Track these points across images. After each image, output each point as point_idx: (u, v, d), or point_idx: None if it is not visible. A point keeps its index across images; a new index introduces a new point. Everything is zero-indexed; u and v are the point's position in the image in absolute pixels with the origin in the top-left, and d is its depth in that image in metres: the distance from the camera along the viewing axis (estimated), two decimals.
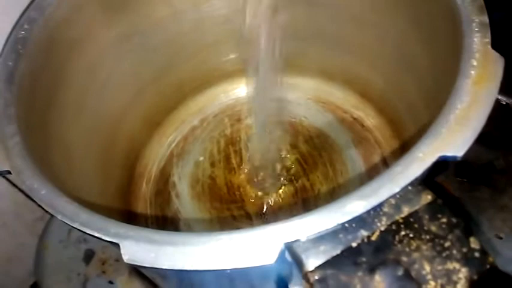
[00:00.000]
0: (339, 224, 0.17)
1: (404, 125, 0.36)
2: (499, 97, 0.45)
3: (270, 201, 0.38)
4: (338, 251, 0.17)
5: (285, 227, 0.17)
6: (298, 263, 0.18)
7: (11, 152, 0.21)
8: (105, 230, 0.17)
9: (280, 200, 0.38)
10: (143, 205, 0.40)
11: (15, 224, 0.50)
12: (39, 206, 0.50)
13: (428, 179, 0.19)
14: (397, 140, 0.37)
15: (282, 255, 0.17)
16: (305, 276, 0.17)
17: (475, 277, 0.16)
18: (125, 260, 0.17)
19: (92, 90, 0.33)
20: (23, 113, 0.24)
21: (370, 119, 0.40)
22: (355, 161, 0.39)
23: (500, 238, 0.36)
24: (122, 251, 0.17)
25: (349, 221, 0.17)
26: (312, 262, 0.17)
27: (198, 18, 0.38)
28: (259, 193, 0.38)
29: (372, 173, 0.38)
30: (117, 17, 0.33)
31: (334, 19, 0.36)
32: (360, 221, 0.17)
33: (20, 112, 0.24)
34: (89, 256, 0.42)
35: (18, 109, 0.24)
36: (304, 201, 0.37)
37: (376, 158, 0.39)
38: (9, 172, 0.20)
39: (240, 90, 0.44)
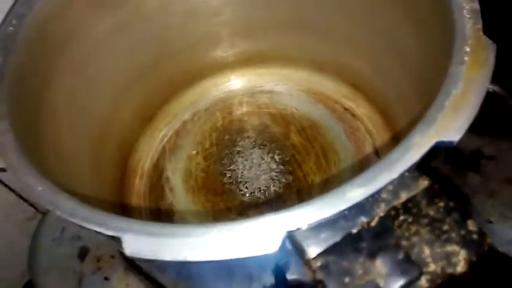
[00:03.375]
0: (339, 212, 0.17)
1: (395, 115, 0.36)
2: (489, 86, 0.46)
3: (264, 192, 0.38)
4: (338, 238, 0.18)
5: (286, 216, 0.17)
6: (300, 251, 0.18)
7: (5, 149, 0.20)
8: (106, 224, 0.17)
9: (274, 192, 0.38)
10: (137, 199, 0.39)
11: (6, 224, 0.50)
12: (31, 205, 0.49)
13: (422, 165, 0.19)
14: (388, 129, 0.37)
15: (283, 244, 0.17)
16: (307, 263, 0.17)
17: (474, 258, 0.17)
18: (127, 254, 0.17)
19: (82, 86, 0.33)
20: (14, 109, 0.24)
21: (361, 109, 0.40)
22: (347, 150, 0.39)
23: (491, 222, 0.37)
24: (124, 245, 0.17)
25: (349, 208, 0.17)
26: (313, 250, 0.17)
27: (187, 10, 0.37)
28: (253, 185, 0.38)
29: (363, 163, 0.38)
30: (106, 11, 0.33)
31: (323, 10, 0.36)
32: (360, 207, 0.18)
33: (11, 108, 0.23)
34: (83, 253, 0.42)
35: (9, 106, 0.23)
36: (298, 192, 0.37)
37: (368, 148, 0.39)
38: (3, 170, 0.20)
39: (231, 83, 0.44)
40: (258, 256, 0.21)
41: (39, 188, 0.19)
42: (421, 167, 0.19)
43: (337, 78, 0.41)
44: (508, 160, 0.42)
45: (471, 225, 0.17)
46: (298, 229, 0.17)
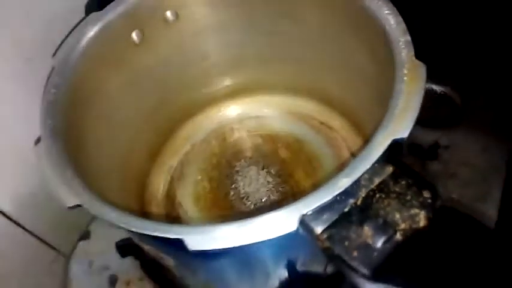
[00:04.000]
0: (334, 197, 0.24)
1: (363, 122, 0.44)
2: (435, 87, 0.55)
3: (265, 202, 0.44)
4: (336, 216, 0.25)
5: (299, 204, 0.24)
6: (310, 230, 0.25)
7: (76, 189, 0.27)
8: (170, 231, 0.24)
9: (274, 200, 0.45)
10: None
11: (32, 267, 0.53)
12: (53, 247, 0.52)
13: (390, 157, 0.27)
14: (360, 135, 0.45)
15: (299, 225, 0.24)
16: (317, 238, 0.24)
17: (431, 215, 0.24)
18: (191, 249, 0.23)
19: (104, 134, 0.39)
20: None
21: (334, 121, 0.48)
22: (328, 157, 0.46)
23: (454, 200, 0.45)
24: (186, 243, 0.23)
25: (340, 194, 0.25)
26: (319, 227, 0.24)
27: (180, 60, 0.45)
28: (255, 197, 0.45)
29: (343, 165, 0.46)
30: (114, 72, 0.40)
31: (297, 44, 0.44)
32: (347, 192, 0.25)
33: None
34: (113, 281, 0.47)
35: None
36: (293, 197, 0.44)
37: (345, 152, 0.46)
38: (79, 205, 0.26)
39: (221, 114, 0.51)
40: (276, 247, 0.28)
41: (112, 215, 0.25)
42: (389, 158, 0.27)
43: (311, 98, 0.49)
44: (461, 147, 0.50)
45: (426, 193, 0.25)
46: (307, 213, 0.24)
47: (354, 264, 0.23)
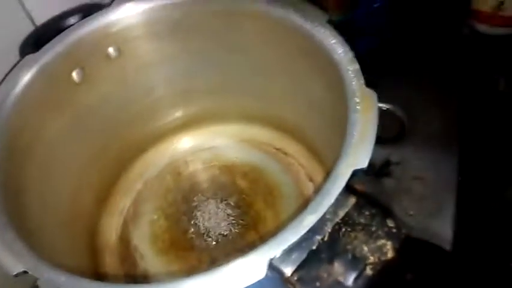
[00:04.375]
0: (301, 236, 0.24)
1: (320, 149, 0.44)
2: (381, 105, 0.56)
3: (227, 236, 0.43)
4: (305, 255, 0.24)
5: (264, 248, 0.23)
6: (279, 272, 0.24)
7: (19, 253, 0.24)
8: None
9: (236, 233, 0.43)
10: (113, 272, 0.42)
11: None
12: None
13: (350, 187, 0.26)
14: (316, 160, 0.45)
15: (267, 270, 0.23)
16: (287, 280, 0.24)
17: (397, 245, 0.24)
18: None
19: (46, 183, 0.36)
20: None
21: (290, 147, 0.47)
22: (286, 183, 0.46)
23: (411, 215, 0.46)
24: None
25: (307, 232, 0.24)
26: (289, 269, 0.24)
27: (122, 98, 0.43)
28: (216, 232, 0.44)
29: (302, 190, 0.45)
30: (55, 114, 0.37)
31: (243, 74, 0.43)
32: (314, 229, 0.24)
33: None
34: None
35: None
36: (255, 228, 0.43)
37: (303, 177, 0.46)
38: (25, 272, 0.23)
39: (173, 147, 0.50)
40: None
41: (62, 279, 0.23)
42: (347, 187, 0.26)
43: (265, 126, 0.48)
44: (412, 162, 0.52)
45: (390, 222, 0.25)
46: (274, 257, 0.23)
47: None
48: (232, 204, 0.45)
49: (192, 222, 0.45)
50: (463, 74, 0.58)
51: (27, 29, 0.39)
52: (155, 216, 0.46)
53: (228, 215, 0.45)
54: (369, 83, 0.29)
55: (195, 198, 0.46)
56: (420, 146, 0.52)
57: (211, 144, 0.50)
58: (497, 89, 0.61)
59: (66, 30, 0.37)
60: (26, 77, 0.34)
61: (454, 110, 0.55)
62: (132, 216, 0.46)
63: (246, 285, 0.22)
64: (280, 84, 0.41)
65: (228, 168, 0.48)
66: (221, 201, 0.46)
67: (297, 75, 0.38)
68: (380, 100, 0.32)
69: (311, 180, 0.46)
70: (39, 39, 0.37)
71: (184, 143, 0.50)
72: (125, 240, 0.45)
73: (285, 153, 0.48)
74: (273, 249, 0.23)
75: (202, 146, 0.50)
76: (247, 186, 0.46)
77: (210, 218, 0.45)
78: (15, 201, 0.30)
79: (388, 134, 0.54)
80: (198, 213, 0.45)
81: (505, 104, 0.59)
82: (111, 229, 0.45)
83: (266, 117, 0.47)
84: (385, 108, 0.56)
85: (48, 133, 0.36)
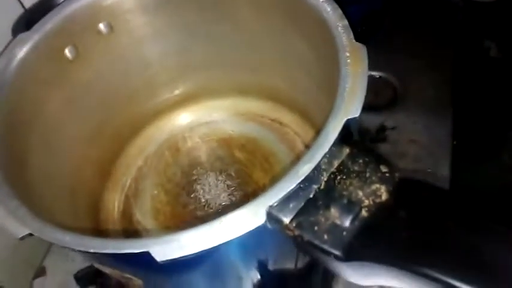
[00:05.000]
0: (297, 185, 0.24)
1: (312, 114, 0.45)
2: (373, 73, 0.57)
3: (228, 206, 0.44)
4: (302, 204, 0.25)
5: (263, 197, 0.24)
6: (278, 221, 0.24)
7: (24, 218, 0.25)
8: (134, 246, 0.23)
9: (237, 203, 0.44)
10: None
11: None
12: None
13: (344, 140, 0.27)
14: (311, 127, 0.46)
15: (266, 218, 0.24)
16: (286, 228, 0.24)
17: (391, 188, 0.25)
18: (159, 260, 0.22)
19: (48, 155, 0.37)
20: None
21: (285, 117, 0.48)
22: (283, 152, 0.47)
23: None
24: (154, 254, 0.22)
25: (303, 181, 0.25)
26: (287, 217, 0.24)
27: (121, 71, 0.43)
28: (217, 203, 0.44)
29: (298, 158, 0.46)
30: (53, 90, 0.38)
31: (234, 46, 0.44)
32: (310, 179, 0.25)
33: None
34: None
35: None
36: (255, 196, 0.44)
37: (299, 145, 0.47)
38: (31, 234, 0.24)
39: (171, 123, 0.50)
40: (245, 248, 0.27)
41: (67, 238, 0.24)
42: (343, 140, 0.27)
43: (259, 97, 0.49)
44: (406, 126, 0.52)
45: (383, 168, 0.25)
46: (273, 205, 0.24)
47: (326, 247, 0.23)
48: (232, 175, 0.46)
49: (193, 196, 0.46)
50: (455, 41, 0.59)
51: (18, 12, 0.39)
52: (155, 192, 0.47)
53: (227, 186, 0.45)
54: (358, 38, 0.30)
55: (194, 172, 0.47)
56: (414, 111, 0.53)
57: (207, 119, 0.51)
58: (489, 55, 0.62)
59: (57, 8, 0.37)
60: (20, 55, 0.34)
61: (447, 75, 0.56)
62: (133, 192, 0.47)
63: (246, 232, 0.23)
64: (272, 51, 0.41)
65: (226, 142, 0.49)
66: (220, 174, 0.46)
67: (288, 41, 0.39)
68: (372, 68, 0.32)
69: (307, 147, 0.46)
70: (30, 19, 0.38)
71: (182, 119, 0.51)
72: (127, 215, 0.46)
73: (280, 123, 0.48)
74: (271, 199, 0.24)
75: (199, 121, 0.51)
76: (245, 158, 0.47)
77: (210, 190, 0.46)
78: (19, 173, 0.31)
79: (382, 100, 0.54)
80: (198, 186, 0.46)
81: (496, 69, 0.60)
82: (113, 204, 0.46)
83: (260, 89, 0.47)
84: (377, 76, 0.57)
85: (47, 108, 0.37)
